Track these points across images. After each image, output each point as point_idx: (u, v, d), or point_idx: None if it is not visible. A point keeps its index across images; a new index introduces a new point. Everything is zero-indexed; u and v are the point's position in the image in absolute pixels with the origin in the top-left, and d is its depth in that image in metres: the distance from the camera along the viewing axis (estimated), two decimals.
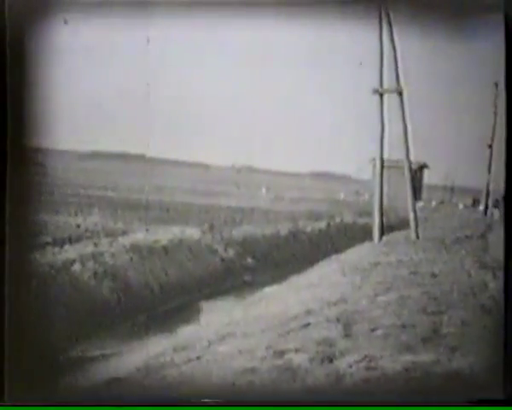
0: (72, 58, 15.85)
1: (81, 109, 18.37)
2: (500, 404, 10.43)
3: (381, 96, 21.47)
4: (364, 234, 22.63)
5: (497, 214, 25.22)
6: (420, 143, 22.44)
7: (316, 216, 26.88)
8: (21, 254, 11.42)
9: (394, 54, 20.82)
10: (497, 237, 25.70)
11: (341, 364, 10.58)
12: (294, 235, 25.72)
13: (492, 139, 23.16)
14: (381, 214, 22.22)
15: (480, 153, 23.04)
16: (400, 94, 21.48)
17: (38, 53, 12.33)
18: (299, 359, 10.84)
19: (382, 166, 22.07)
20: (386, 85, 21.36)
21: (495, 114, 20.47)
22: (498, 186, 25.03)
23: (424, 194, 26.00)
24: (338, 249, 22.95)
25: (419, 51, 18.14)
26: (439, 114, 20.74)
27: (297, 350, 11.16)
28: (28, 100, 11.94)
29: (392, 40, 20.37)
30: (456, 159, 22.78)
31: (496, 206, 25.16)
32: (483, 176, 23.64)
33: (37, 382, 10.85)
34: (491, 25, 11.97)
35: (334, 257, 19.98)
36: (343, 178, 25.40)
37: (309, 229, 26.31)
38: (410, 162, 22.13)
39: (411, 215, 22.17)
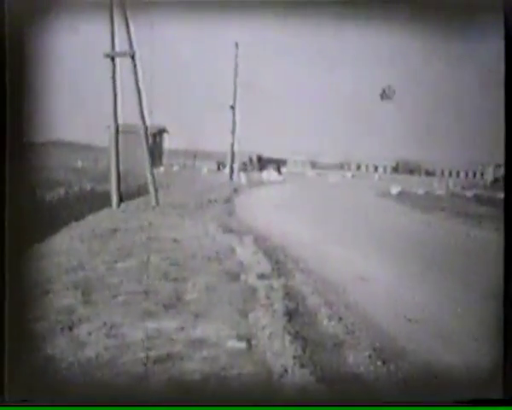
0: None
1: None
2: (500, 404, 10.50)
3: (113, 59, 21.08)
4: (103, 201, 22.21)
5: (243, 178, 25.72)
6: (161, 108, 22.30)
7: (53, 184, 26.01)
8: (21, 252, 11.42)
9: (125, 18, 20.46)
10: (243, 200, 26.48)
11: (81, 331, 10.37)
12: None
13: (234, 100, 23.55)
14: (119, 180, 21.97)
15: (223, 116, 23.29)
16: (132, 58, 21.26)
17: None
18: (39, 328, 10.50)
19: (117, 132, 21.79)
20: (118, 49, 21.00)
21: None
22: (246, 148, 25.59)
23: (166, 159, 25.98)
24: (77, 217, 22.35)
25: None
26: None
27: (37, 319, 10.66)
28: (28, 99, 12.04)
29: (122, 5, 19.88)
30: (199, 123, 22.86)
31: (243, 169, 25.65)
32: (227, 139, 23.98)
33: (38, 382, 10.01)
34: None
35: (73, 224, 19.40)
36: (84, 147, 24.77)
37: (47, 198, 25.40)
38: (146, 127, 22.07)
39: (150, 180, 22.13)
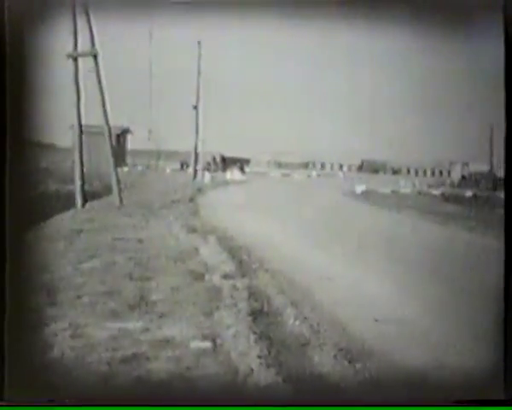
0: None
1: None
2: (500, 404, 10.56)
3: (76, 60, 21.08)
4: (68, 201, 22.22)
5: (207, 177, 25.79)
6: (121, 108, 22.35)
7: None
8: (22, 251, 11.16)
9: (88, 18, 20.46)
10: (206, 200, 26.54)
11: (48, 331, 10.38)
12: None
13: (197, 100, 23.65)
14: (83, 181, 21.98)
15: (188, 116, 23.36)
16: (95, 57, 21.27)
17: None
18: None
19: (81, 132, 21.80)
20: (80, 49, 21.00)
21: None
22: (209, 148, 25.66)
23: (129, 159, 26.02)
24: (43, 218, 22.34)
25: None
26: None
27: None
28: (28, 99, 11.84)
29: (85, 4, 19.87)
30: (161, 123, 22.90)
31: (207, 168, 25.74)
32: (191, 139, 24.06)
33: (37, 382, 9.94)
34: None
35: (41, 225, 19.39)
36: (48, 147, 24.74)
37: None
38: (109, 128, 22.11)
39: (114, 181, 22.19)
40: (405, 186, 28.11)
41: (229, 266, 15.10)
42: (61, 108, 20.89)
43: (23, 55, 11.51)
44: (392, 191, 28.20)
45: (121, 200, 22.25)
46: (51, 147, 23.80)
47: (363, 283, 14.78)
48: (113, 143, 22.90)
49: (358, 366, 9.83)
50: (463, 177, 27.36)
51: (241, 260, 16.24)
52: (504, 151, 11.48)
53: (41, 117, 12.50)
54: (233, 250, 17.21)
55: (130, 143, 25.95)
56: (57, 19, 13.48)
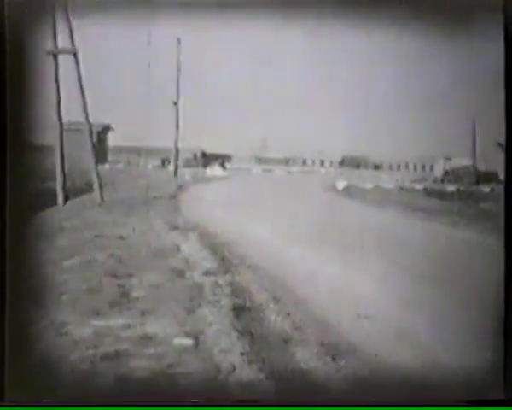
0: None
1: None
2: (500, 404, 10.59)
3: (55, 57, 21.07)
4: (49, 199, 22.17)
5: (188, 174, 25.79)
6: (104, 105, 22.32)
7: None
8: (22, 250, 11.64)
9: (66, 15, 20.41)
10: (187, 196, 26.53)
11: (32, 330, 10.47)
12: None
13: (178, 96, 23.64)
14: (64, 178, 21.95)
15: (168, 112, 23.33)
16: (75, 55, 21.28)
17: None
18: None
19: (62, 130, 21.76)
20: (60, 46, 20.98)
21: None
22: (190, 145, 25.65)
23: (110, 156, 25.98)
24: (25, 216, 22.28)
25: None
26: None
27: None
28: (28, 99, 12.16)
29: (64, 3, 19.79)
30: (143, 119, 22.88)
31: (187, 165, 25.72)
32: (171, 135, 24.03)
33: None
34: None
35: (23, 223, 19.32)
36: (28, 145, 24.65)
37: None
38: (90, 124, 22.11)
39: (94, 178, 22.19)
40: (387, 181, 28.12)
41: (211, 263, 15.13)
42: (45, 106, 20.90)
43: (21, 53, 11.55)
44: (375, 187, 28.21)
45: (102, 197, 22.24)
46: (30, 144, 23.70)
47: (346, 279, 14.84)
48: (94, 140, 22.92)
49: (341, 362, 9.90)
50: (446, 172, 27.40)
51: (223, 256, 16.27)
52: (504, 151, 11.56)
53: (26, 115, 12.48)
54: (214, 247, 17.23)
55: (112, 140, 25.89)
56: (40, 18, 13.47)
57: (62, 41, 21.13)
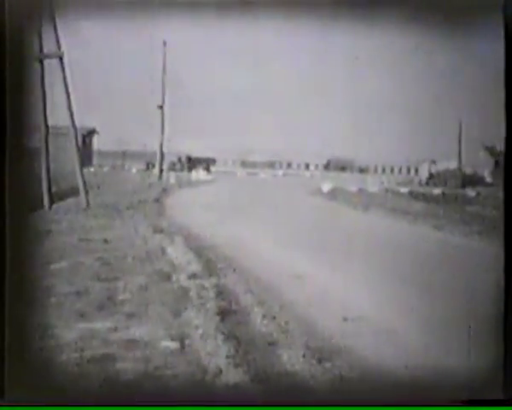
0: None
1: None
2: (500, 404, 10.63)
3: (42, 62, 21.15)
4: (36, 203, 22.21)
5: (173, 177, 25.87)
6: (88, 109, 22.37)
7: None
8: (22, 250, 11.55)
9: (54, 21, 20.50)
10: (172, 200, 26.60)
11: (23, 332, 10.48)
12: None
13: (163, 100, 23.72)
14: (49, 182, 22.02)
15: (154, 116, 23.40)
16: (61, 59, 21.36)
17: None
18: None
19: (47, 133, 21.82)
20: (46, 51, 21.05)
21: None
22: (174, 149, 25.72)
23: (96, 160, 26.04)
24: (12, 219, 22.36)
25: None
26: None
27: None
28: (28, 100, 12.17)
29: (51, 5, 19.88)
30: (127, 123, 22.95)
31: (172, 169, 25.81)
32: (156, 139, 24.12)
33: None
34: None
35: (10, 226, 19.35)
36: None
37: None
38: (75, 128, 22.18)
39: (80, 182, 22.28)
40: (373, 184, 28.26)
41: (196, 266, 15.19)
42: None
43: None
44: (360, 190, 28.34)
45: (88, 201, 22.32)
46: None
47: (332, 281, 14.91)
48: (80, 143, 23.00)
49: (327, 364, 9.97)
50: (431, 175, 27.55)
51: (208, 259, 16.34)
52: (504, 151, 11.66)
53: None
54: (200, 250, 17.30)
55: (97, 144, 25.94)
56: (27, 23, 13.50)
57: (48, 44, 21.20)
